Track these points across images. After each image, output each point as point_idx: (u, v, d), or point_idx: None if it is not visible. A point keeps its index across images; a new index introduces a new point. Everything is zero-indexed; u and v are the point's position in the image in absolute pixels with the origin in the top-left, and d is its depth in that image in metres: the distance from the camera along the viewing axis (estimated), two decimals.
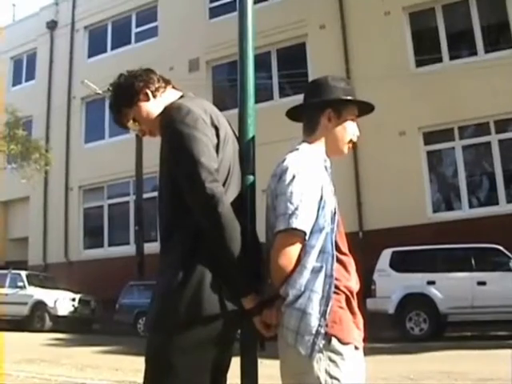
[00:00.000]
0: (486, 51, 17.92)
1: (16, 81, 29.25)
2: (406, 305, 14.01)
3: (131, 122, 2.64)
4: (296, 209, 2.26)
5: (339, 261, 2.32)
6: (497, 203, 17.06)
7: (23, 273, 20.68)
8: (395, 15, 19.13)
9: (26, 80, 28.91)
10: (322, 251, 2.27)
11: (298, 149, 2.47)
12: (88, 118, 26.39)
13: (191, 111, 2.37)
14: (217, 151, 2.38)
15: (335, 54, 19.60)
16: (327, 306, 2.21)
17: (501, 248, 13.54)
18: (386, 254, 14.58)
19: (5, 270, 21.89)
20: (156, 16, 25.09)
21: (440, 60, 18.59)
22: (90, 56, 26.88)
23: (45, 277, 21.95)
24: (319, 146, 2.52)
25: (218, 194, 2.24)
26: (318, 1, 20.41)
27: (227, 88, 22.74)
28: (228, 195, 2.33)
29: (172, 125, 2.37)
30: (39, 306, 19.30)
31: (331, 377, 2.19)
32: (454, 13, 18.84)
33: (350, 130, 2.56)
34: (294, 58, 21.40)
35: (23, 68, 29.29)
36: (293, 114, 2.67)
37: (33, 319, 19.26)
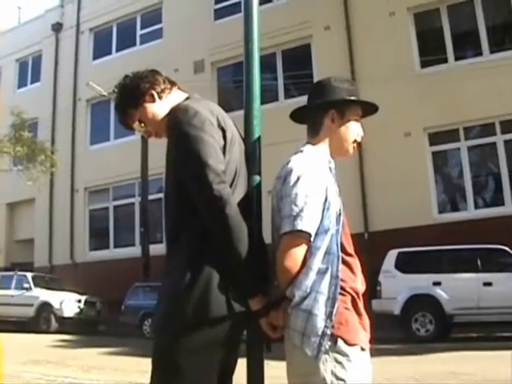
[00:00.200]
0: (492, 51, 17.88)
1: (21, 83, 29.33)
2: (411, 306, 13.98)
3: (137, 123, 2.64)
4: (301, 211, 2.26)
5: (345, 262, 2.32)
6: (503, 204, 17.02)
7: (29, 274, 20.73)
8: (400, 16, 19.12)
9: (32, 82, 28.97)
10: (328, 252, 2.27)
11: (302, 151, 2.47)
12: (93, 120, 26.43)
13: (198, 113, 2.37)
14: (224, 153, 2.38)
15: (340, 55, 19.59)
16: (333, 307, 2.21)
17: (507, 249, 13.51)
18: (392, 255, 14.56)
19: (11, 271, 21.98)
20: (161, 18, 25.11)
21: (445, 60, 18.56)
22: (95, 58, 26.94)
23: (50, 278, 21.99)
24: (323, 147, 2.52)
25: (226, 196, 2.24)
26: (323, 2, 20.39)
27: (232, 89, 22.76)
28: (235, 197, 2.33)
29: (179, 126, 2.36)
30: (45, 307, 19.33)
31: (337, 378, 2.19)
32: (459, 13, 18.81)
33: (353, 131, 2.56)
34: (299, 59, 21.39)
35: (29, 70, 29.35)
36: (297, 115, 2.67)
37: (39, 321, 19.30)
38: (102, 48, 26.74)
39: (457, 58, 18.44)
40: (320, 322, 2.20)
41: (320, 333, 2.19)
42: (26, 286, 20.00)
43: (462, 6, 18.70)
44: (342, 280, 2.26)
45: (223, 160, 2.36)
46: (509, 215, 16.16)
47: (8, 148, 21.31)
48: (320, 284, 2.23)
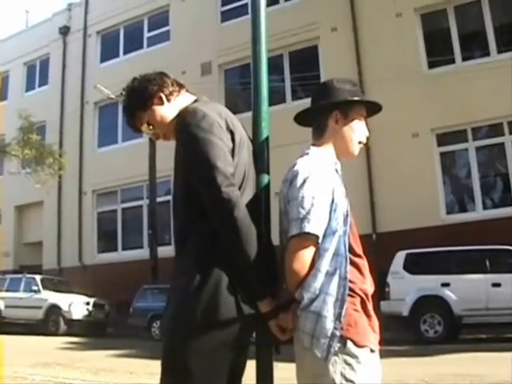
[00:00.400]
0: (499, 51, 17.84)
1: (29, 86, 29.45)
2: (420, 307, 13.96)
3: (145, 125, 2.64)
4: (308, 213, 2.26)
5: (353, 263, 2.32)
6: (511, 204, 16.95)
7: (38, 277, 20.79)
8: (407, 17, 19.10)
9: (40, 85, 29.09)
10: (336, 254, 2.27)
11: (307, 153, 2.47)
12: (101, 123, 26.50)
13: (207, 115, 2.38)
14: (232, 155, 2.38)
15: (347, 57, 19.59)
16: (342, 308, 2.21)
17: None
18: (400, 256, 14.54)
19: (19, 274, 22.06)
20: (168, 20, 25.17)
21: (452, 61, 18.52)
22: (102, 61, 27.01)
23: (59, 281, 22.07)
24: (329, 148, 2.52)
25: (234, 199, 2.24)
26: (330, 3, 20.39)
27: (240, 91, 22.78)
28: (243, 199, 2.33)
29: (187, 129, 2.37)
30: (54, 309, 19.38)
31: (347, 380, 2.18)
32: (466, 13, 18.77)
33: (358, 131, 2.56)
34: (306, 60, 21.40)
35: (36, 73, 29.47)
36: (301, 118, 2.67)
37: (47, 323, 19.34)
38: (109, 51, 26.81)
39: (464, 59, 18.40)
40: (329, 324, 2.19)
41: (329, 334, 2.19)
42: (35, 288, 20.05)
43: (469, 6, 18.66)
44: (350, 281, 2.26)
45: (232, 162, 2.36)
46: None
47: (16, 151, 21.41)
48: (329, 286, 2.23)
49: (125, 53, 26.36)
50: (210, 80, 21.70)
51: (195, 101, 2.62)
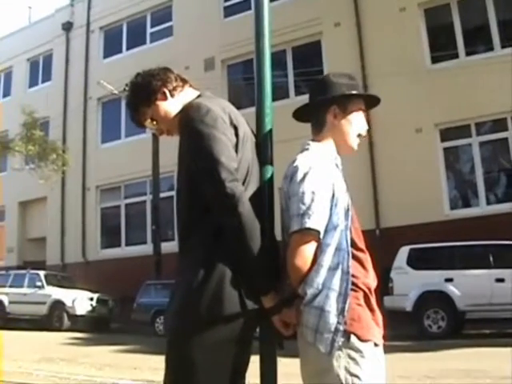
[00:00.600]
0: (503, 46, 17.78)
1: (32, 82, 29.46)
2: (423, 302, 13.97)
3: (149, 120, 2.64)
4: (308, 208, 2.27)
5: (356, 258, 2.32)
6: None
7: (41, 273, 20.84)
8: (410, 11, 19.05)
9: (43, 81, 29.10)
10: (338, 249, 2.27)
11: (307, 148, 2.47)
12: (104, 119, 26.51)
13: (210, 110, 2.38)
14: (236, 150, 2.38)
15: (350, 52, 19.56)
16: (345, 303, 2.21)
17: None
18: (404, 252, 14.54)
19: (23, 269, 22.11)
20: (171, 16, 25.14)
21: (456, 56, 18.49)
22: (105, 56, 27.01)
23: (63, 276, 22.10)
24: (328, 143, 2.52)
25: (238, 194, 2.24)
26: None
27: (243, 87, 22.77)
28: (247, 194, 2.33)
29: (191, 124, 2.37)
30: (57, 305, 19.43)
31: (351, 374, 2.19)
32: (470, 8, 18.71)
33: (357, 125, 2.56)
34: (309, 55, 21.38)
35: (39, 69, 29.48)
36: (300, 114, 2.67)
37: (51, 318, 19.39)
38: (112, 46, 26.81)
39: (468, 54, 18.36)
40: (332, 319, 2.20)
41: (333, 329, 2.19)
42: (39, 284, 20.10)
43: (472, 0, 18.63)
44: (353, 276, 2.26)
45: (235, 158, 2.36)
46: None
47: (20, 147, 21.42)
48: (331, 281, 2.23)
49: (128, 48, 26.35)
50: (213, 75, 21.69)
51: (199, 96, 2.61)
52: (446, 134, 18.28)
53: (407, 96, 17.84)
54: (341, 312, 2.20)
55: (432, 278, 14.02)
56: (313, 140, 2.54)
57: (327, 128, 2.53)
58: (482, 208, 17.43)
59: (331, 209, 2.31)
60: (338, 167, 2.49)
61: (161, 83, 2.61)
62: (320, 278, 2.24)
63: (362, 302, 2.28)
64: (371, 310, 2.31)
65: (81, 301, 19.38)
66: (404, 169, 17.70)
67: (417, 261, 14.35)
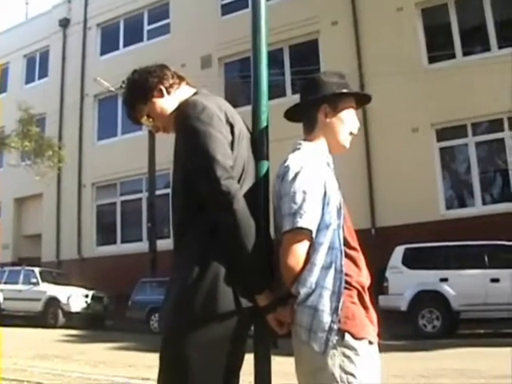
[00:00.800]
0: (500, 47, 17.81)
1: (29, 78, 29.43)
2: (418, 302, 13.99)
3: (145, 118, 2.64)
4: (300, 208, 2.27)
5: (349, 256, 2.32)
6: (510, 200, 16.94)
7: (36, 269, 20.82)
8: (408, 11, 19.07)
9: (39, 77, 29.07)
10: (331, 247, 2.27)
11: (298, 148, 2.47)
12: (101, 116, 26.51)
13: (206, 108, 2.38)
14: (232, 148, 2.38)
15: (347, 51, 19.57)
16: (339, 301, 2.21)
17: None
18: (399, 251, 14.55)
19: (18, 266, 22.09)
20: (168, 13, 25.13)
21: (453, 56, 18.51)
22: (102, 53, 26.99)
23: (58, 273, 22.11)
24: (320, 143, 2.52)
25: (234, 191, 2.25)
26: None
27: (240, 85, 22.75)
28: (242, 192, 2.33)
29: (187, 121, 2.37)
30: (52, 302, 19.41)
31: (346, 372, 2.19)
32: (467, 8, 18.74)
33: (348, 123, 2.56)
34: (306, 54, 21.39)
35: (36, 66, 29.45)
36: (291, 114, 2.67)
37: (46, 315, 19.38)
38: (109, 43, 26.79)
39: (465, 54, 18.39)
40: (326, 318, 2.20)
41: (327, 328, 2.19)
42: (34, 280, 20.09)
43: (470, 1, 18.67)
44: (346, 274, 2.26)
45: (231, 155, 2.36)
46: None
47: (16, 143, 21.38)
48: (325, 279, 2.23)
49: (125, 45, 26.34)
50: (209, 73, 21.67)
51: (195, 93, 2.61)
52: (443, 133, 18.31)
53: (404, 95, 17.86)
54: (334, 311, 2.20)
55: (427, 278, 14.05)
56: (304, 139, 2.55)
57: (319, 127, 2.53)
58: (477, 208, 17.47)
59: (323, 208, 2.31)
60: (329, 166, 2.48)
61: (157, 80, 2.60)
62: (313, 277, 2.24)
63: (355, 300, 2.28)
64: (365, 308, 2.31)
65: (76, 298, 19.36)
66: (400, 168, 17.72)
67: (412, 260, 14.37)
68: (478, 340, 12.66)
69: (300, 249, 2.27)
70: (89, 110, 26.40)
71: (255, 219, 2.31)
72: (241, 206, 2.25)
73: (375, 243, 15.42)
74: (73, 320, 19.22)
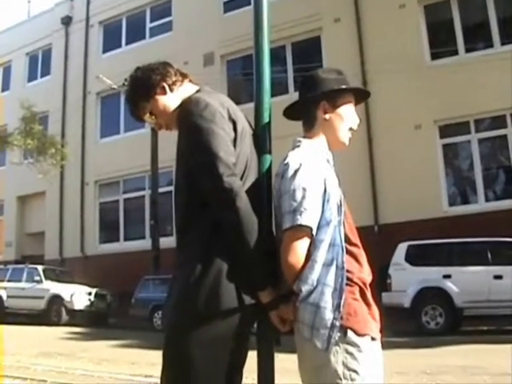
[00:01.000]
0: (503, 43, 17.77)
1: (32, 76, 29.45)
2: (421, 299, 13.98)
3: (148, 115, 2.64)
4: (300, 205, 2.27)
5: (350, 253, 2.32)
6: None
7: (40, 267, 20.84)
8: (410, 8, 19.03)
9: (42, 75, 29.08)
10: (332, 244, 2.27)
11: (298, 145, 2.47)
12: (103, 113, 26.51)
13: (209, 105, 2.38)
14: (234, 145, 2.38)
15: (350, 48, 19.54)
16: (340, 298, 2.21)
17: None
18: (402, 248, 14.54)
19: (22, 264, 22.12)
20: (170, 11, 25.11)
21: (456, 53, 18.48)
22: (104, 51, 26.99)
23: (61, 271, 22.12)
24: (319, 140, 2.52)
25: (236, 188, 2.24)
26: None
27: (242, 82, 22.74)
28: (245, 189, 2.33)
29: (190, 119, 2.37)
30: (56, 300, 19.43)
31: (349, 369, 2.19)
32: (470, 5, 18.71)
33: (348, 118, 2.56)
34: (308, 51, 21.37)
35: (39, 63, 29.46)
36: (290, 113, 2.67)
37: (49, 313, 19.40)
38: (111, 41, 26.79)
39: (467, 50, 18.36)
40: (328, 314, 2.20)
41: (329, 325, 2.19)
42: (37, 278, 20.11)
43: None
44: (348, 271, 2.26)
45: (234, 152, 2.36)
46: None
47: (18, 141, 21.40)
48: (326, 276, 2.24)
49: (127, 43, 26.33)
50: (212, 71, 21.67)
51: (198, 91, 2.61)
52: (445, 130, 18.29)
53: (406, 92, 17.83)
54: (336, 307, 2.20)
55: (430, 275, 14.03)
56: (304, 137, 2.54)
57: (318, 124, 2.53)
58: (480, 205, 17.44)
59: (323, 204, 2.31)
60: (329, 163, 2.48)
61: (160, 78, 2.60)
62: (315, 275, 2.24)
63: (357, 296, 2.28)
64: (367, 304, 2.31)
65: (79, 295, 19.39)
66: (403, 165, 17.71)
67: (415, 257, 14.35)
68: (481, 337, 12.67)
69: (300, 246, 2.27)
70: (91, 108, 26.41)
71: (258, 216, 2.31)
72: (243, 202, 2.25)
73: (378, 240, 15.42)
74: (76, 318, 19.26)
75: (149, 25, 25.93)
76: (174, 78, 2.63)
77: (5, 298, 20.24)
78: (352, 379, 2.18)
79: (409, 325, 14.20)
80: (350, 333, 2.21)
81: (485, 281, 13.34)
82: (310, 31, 20.98)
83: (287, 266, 2.27)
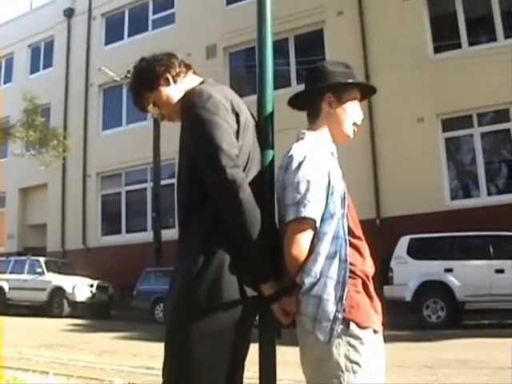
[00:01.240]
0: (506, 37, 17.73)
1: (34, 68, 29.42)
2: (423, 292, 13.99)
3: (151, 105, 2.65)
4: (304, 197, 2.26)
5: (353, 245, 2.32)
6: None
7: (42, 259, 20.89)
8: (413, 1, 18.97)
9: (44, 67, 29.06)
10: (335, 237, 2.27)
11: (302, 138, 2.47)
12: (105, 105, 26.49)
13: (212, 97, 2.37)
14: (237, 137, 2.38)
15: (353, 41, 19.50)
16: (343, 291, 2.21)
17: None
18: (404, 241, 14.54)
19: (24, 256, 22.15)
20: (173, 3, 25.07)
21: (459, 46, 18.43)
22: (107, 43, 26.95)
23: (63, 263, 22.16)
24: (323, 132, 2.51)
25: (239, 180, 2.24)
26: None
27: (244, 74, 22.72)
28: (248, 181, 2.33)
29: (193, 110, 2.36)
30: (58, 291, 19.48)
31: (351, 361, 2.19)
32: None
33: (352, 113, 2.55)
34: (311, 44, 21.32)
35: (41, 55, 29.44)
36: (295, 103, 2.66)
37: (51, 305, 19.46)
38: (114, 33, 26.75)
39: (471, 44, 18.30)
40: (331, 307, 2.20)
41: (331, 317, 2.19)
42: (39, 270, 20.15)
43: None
44: (351, 263, 2.26)
45: (236, 144, 2.35)
46: None
47: (21, 133, 21.38)
48: (329, 269, 2.23)
49: (129, 35, 26.28)
50: (214, 63, 21.63)
51: (201, 83, 2.62)
52: (448, 124, 18.25)
53: (409, 86, 17.79)
54: (339, 300, 2.20)
55: (432, 268, 14.04)
56: (308, 129, 2.54)
57: (322, 116, 2.52)
58: (482, 199, 17.44)
59: (327, 197, 2.30)
60: (333, 155, 2.48)
61: (164, 69, 2.61)
62: (318, 267, 2.24)
63: (360, 289, 2.28)
64: (370, 297, 2.31)
65: (81, 287, 19.44)
66: (405, 159, 17.68)
67: (417, 251, 14.35)
68: (482, 331, 12.69)
69: (304, 238, 2.26)
70: (94, 100, 26.40)
71: (261, 208, 2.31)
72: (246, 194, 2.25)
73: (380, 233, 15.42)
74: (78, 309, 19.30)
75: (151, 17, 25.88)
76: (177, 70, 2.63)
77: (7, 289, 20.29)
78: (354, 371, 2.18)
79: (410, 318, 14.20)
80: (352, 325, 2.21)
81: (486, 275, 13.34)
82: (313, 24, 20.93)
83: (290, 257, 2.27)
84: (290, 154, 2.37)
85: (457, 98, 17.36)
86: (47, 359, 9.32)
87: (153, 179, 21.98)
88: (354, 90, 2.57)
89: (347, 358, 2.19)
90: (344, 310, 2.20)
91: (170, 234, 18.21)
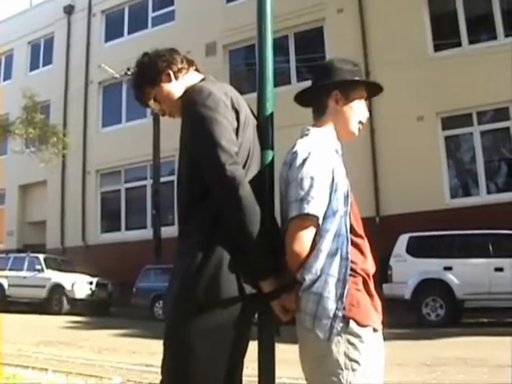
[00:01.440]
0: (506, 35, 17.71)
1: (33, 65, 29.40)
2: (422, 290, 13.99)
3: (152, 101, 2.66)
4: (307, 194, 2.26)
5: (354, 244, 2.31)
6: None
7: (41, 256, 20.90)
8: None
9: (44, 64, 29.04)
10: (337, 234, 2.26)
11: (307, 134, 2.46)
12: (105, 102, 26.48)
13: (212, 94, 2.37)
14: (237, 134, 2.38)
15: (353, 38, 19.49)
16: (344, 288, 2.20)
17: None
18: (403, 240, 14.55)
19: (23, 253, 22.17)
20: (173, 0, 25.02)
21: (459, 44, 18.42)
22: (106, 40, 26.94)
23: (62, 260, 22.17)
24: (329, 129, 2.51)
25: (239, 177, 2.24)
26: None
27: (244, 72, 22.70)
28: (247, 178, 2.33)
29: (193, 107, 2.36)
30: (57, 289, 19.50)
31: (350, 359, 2.19)
32: None
33: (358, 111, 2.55)
34: (311, 42, 21.32)
35: (40, 52, 29.41)
36: (301, 98, 2.65)
37: (51, 302, 19.47)
38: (113, 30, 26.74)
39: (471, 42, 18.30)
40: (331, 305, 2.19)
41: (331, 315, 2.19)
42: (38, 267, 20.16)
43: None
44: (352, 261, 2.25)
45: (236, 141, 2.35)
46: None
47: (20, 130, 21.37)
48: (330, 266, 2.23)
49: (129, 32, 26.26)
50: (214, 61, 21.62)
51: (202, 80, 2.62)
52: (448, 122, 18.25)
53: (409, 84, 17.78)
54: (339, 298, 2.19)
55: (431, 266, 14.04)
56: (313, 125, 2.53)
57: (328, 113, 2.52)
58: (482, 197, 17.44)
59: (331, 194, 2.29)
60: (337, 153, 2.47)
61: (166, 64, 2.62)
62: (319, 264, 2.23)
63: (360, 287, 2.28)
64: (370, 295, 2.31)
65: (80, 284, 19.44)
66: (405, 157, 17.68)
67: (416, 249, 14.36)
68: (481, 329, 12.69)
69: (306, 235, 2.26)
70: (93, 97, 26.40)
71: (260, 205, 2.31)
72: (246, 191, 2.25)
73: (379, 231, 15.40)
74: (77, 307, 19.30)
75: (151, 14, 25.86)
76: (179, 66, 2.65)
77: (6, 286, 20.30)
78: (353, 369, 2.18)
79: (409, 316, 14.21)
80: (352, 323, 2.20)
81: (485, 273, 13.35)
82: (313, 21, 20.93)
83: (292, 254, 2.27)
84: (294, 150, 2.37)
85: (457, 97, 17.35)
86: (46, 356, 9.33)
87: (152, 176, 22.00)
88: (361, 89, 2.57)
89: (347, 355, 2.19)
90: (344, 308, 2.20)
91: (170, 231, 18.24)
